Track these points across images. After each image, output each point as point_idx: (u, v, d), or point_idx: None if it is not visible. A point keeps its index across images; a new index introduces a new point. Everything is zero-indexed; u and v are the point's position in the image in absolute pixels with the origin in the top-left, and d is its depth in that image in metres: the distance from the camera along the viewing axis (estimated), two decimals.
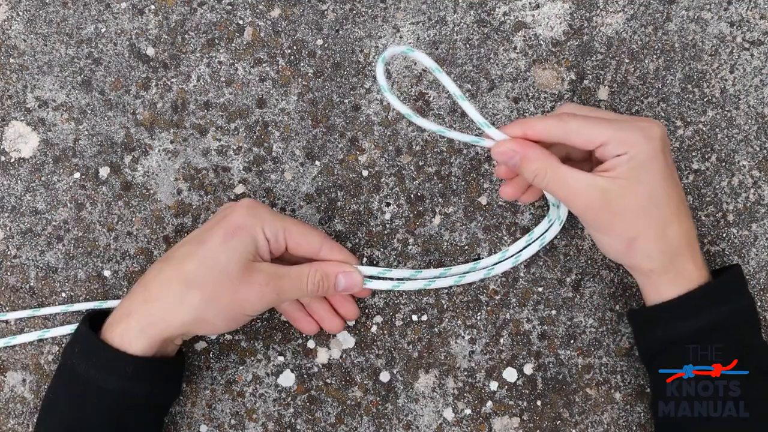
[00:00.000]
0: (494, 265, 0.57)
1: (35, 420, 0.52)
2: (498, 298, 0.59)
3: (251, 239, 0.51)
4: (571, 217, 0.59)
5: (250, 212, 0.52)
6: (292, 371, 0.59)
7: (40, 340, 0.59)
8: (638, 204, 0.48)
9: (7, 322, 0.59)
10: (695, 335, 0.49)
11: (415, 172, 0.59)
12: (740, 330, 0.50)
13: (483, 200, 0.59)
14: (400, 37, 0.59)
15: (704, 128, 0.59)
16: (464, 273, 0.57)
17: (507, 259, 0.58)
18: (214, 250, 0.50)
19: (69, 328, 0.58)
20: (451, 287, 0.58)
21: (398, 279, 0.57)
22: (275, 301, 0.52)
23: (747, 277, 0.58)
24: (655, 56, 0.59)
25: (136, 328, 0.50)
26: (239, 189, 0.59)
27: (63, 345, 0.58)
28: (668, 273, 0.49)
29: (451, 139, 0.51)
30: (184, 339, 0.54)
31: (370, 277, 0.55)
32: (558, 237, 0.59)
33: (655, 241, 0.49)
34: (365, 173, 0.60)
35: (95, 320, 0.53)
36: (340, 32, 0.60)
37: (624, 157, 0.48)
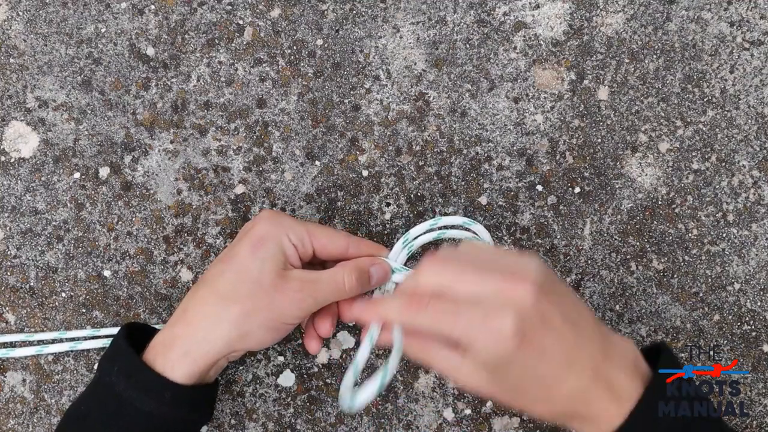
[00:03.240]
0: None
1: (56, 428, 0.52)
2: None
3: (278, 247, 0.51)
4: (570, 217, 0.59)
5: (272, 221, 0.52)
6: (292, 371, 0.59)
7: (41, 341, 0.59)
8: (504, 388, 0.45)
9: (7, 322, 0.59)
10: None
11: (415, 172, 0.59)
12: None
13: (483, 200, 0.59)
14: (400, 38, 0.59)
15: (704, 128, 0.59)
16: None
17: None
18: (244, 264, 0.50)
19: (67, 346, 0.58)
20: None
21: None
22: (313, 306, 0.51)
23: (747, 276, 0.59)
24: (655, 56, 0.59)
25: (180, 353, 0.49)
26: (239, 189, 0.59)
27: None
28: (572, 424, 0.46)
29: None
30: (231, 360, 0.52)
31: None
32: (558, 237, 0.59)
33: (539, 412, 0.45)
34: (365, 173, 0.60)
35: (131, 331, 0.52)
36: (340, 32, 0.60)
37: (469, 353, 0.43)
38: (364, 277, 0.53)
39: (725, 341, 0.59)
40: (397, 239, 0.55)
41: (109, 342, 0.58)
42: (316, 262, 0.54)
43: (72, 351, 0.59)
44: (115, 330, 0.58)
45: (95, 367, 0.59)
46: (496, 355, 0.42)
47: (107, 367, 0.50)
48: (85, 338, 0.58)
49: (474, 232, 0.54)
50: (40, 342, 0.58)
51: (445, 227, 0.54)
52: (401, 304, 0.45)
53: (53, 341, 0.58)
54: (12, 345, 0.59)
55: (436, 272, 0.44)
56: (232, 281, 0.50)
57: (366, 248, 0.54)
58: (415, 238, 0.55)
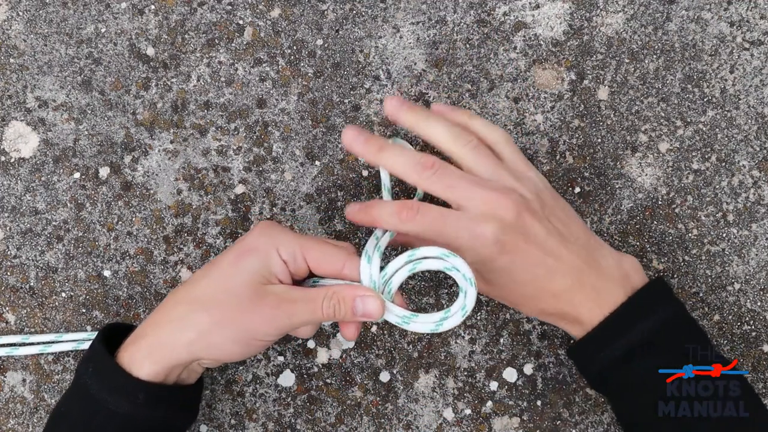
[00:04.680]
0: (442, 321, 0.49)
1: (43, 428, 0.52)
2: None
3: (263, 261, 0.48)
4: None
5: (264, 233, 0.50)
6: (292, 371, 0.59)
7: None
8: (493, 282, 0.52)
9: (7, 322, 0.59)
10: (631, 350, 0.49)
11: None
12: (675, 337, 0.50)
13: None
14: (400, 38, 0.59)
15: (704, 128, 0.59)
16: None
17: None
18: (224, 272, 0.49)
19: (70, 345, 0.58)
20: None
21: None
22: (287, 326, 0.49)
23: (747, 276, 0.59)
24: (655, 56, 0.59)
25: (145, 352, 0.48)
26: (239, 189, 0.59)
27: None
28: (558, 323, 0.53)
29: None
30: (205, 366, 0.51)
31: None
32: None
33: (524, 309, 0.53)
34: (365, 173, 0.60)
35: (113, 332, 0.52)
36: (340, 32, 0.60)
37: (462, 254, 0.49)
38: (345, 305, 0.49)
39: (725, 341, 0.59)
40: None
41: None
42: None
43: (72, 351, 0.59)
44: None
45: None
46: (478, 256, 0.49)
47: (83, 368, 0.50)
48: (85, 341, 0.58)
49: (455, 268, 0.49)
50: (40, 343, 0.58)
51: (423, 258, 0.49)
52: (393, 209, 0.50)
53: (52, 343, 0.58)
54: (13, 345, 0.59)
55: (432, 181, 0.50)
56: (207, 289, 0.49)
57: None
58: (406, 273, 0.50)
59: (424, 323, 0.48)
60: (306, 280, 0.52)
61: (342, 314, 0.49)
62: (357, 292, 0.49)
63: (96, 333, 0.59)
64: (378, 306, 0.49)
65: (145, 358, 0.48)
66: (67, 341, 0.58)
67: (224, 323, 0.48)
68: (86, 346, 0.58)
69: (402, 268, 0.49)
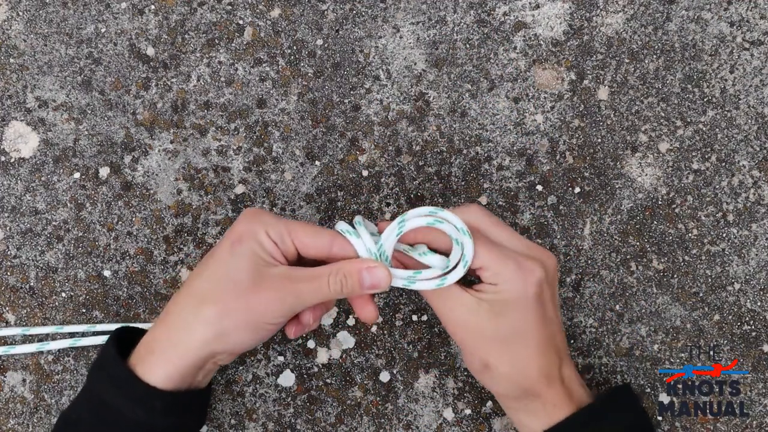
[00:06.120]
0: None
1: None
2: None
3: (257, 244, 0.48)
4: (570, 217, 0.59)
5: (251, 218, 0.50)
6: (292, 371, 0.59)
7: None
8: (497, 332, 0.49)
9: (7, 322, 0.59)
10: None
11: (415, 172, 0.59)
12: None
13: (483, 200, 0.59)
14: (400, 38, 0.59)
15: (704, 128, 0.59)
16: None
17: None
18: (222, 262, 0.49)
19: (67, 342, 0.58)
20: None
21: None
22: (295, 305, 0.49)
23: (747, 276, 0.59)
24: (655, 56, 0.59)
25: (159, 357, 0.48)
26: (239, 189, 0.59)
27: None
28: (520, 403, 0.50)
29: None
30: (220, 364, 0.51)
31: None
32: (558, 237, 0.59)
33: (507, 371, 0.49)
34: (365, 173, 0.60)
35: (122, 337, 0.52)
36: (340, 32, 0.60)
37: (494, 287, 0.48)
38: (352, 281, 0.49)
39: (725, 341, 0.59)
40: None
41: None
42: (308, 263, 0.51)
43: (72, 351, 0.59)
44: (111, 327, 0.58)
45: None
46: (517, 293, 0.48)
47: (97, 374, 0.50)
48: (83, 334, 0.58)
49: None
50: (39, 338, 0.58)
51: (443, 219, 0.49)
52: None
53: (48, 336, 0.58)
54: (12, 342, 0.59)
55: (479, 215, 0.50)
56: (208, 281, 0.48)
57: (351, 249, 0.50)
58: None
59: (428, 280, 0.49)
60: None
61: (350, 288, 0.49)
62: (362, 265, 0.49)
63: (93, 331, 0.59)
64: (385, 274, 0.49)
65: (160, 363, 0.48)
66: (66, 333, 0.58)
67: (233, 312, 0.48)
68: (84, 342, 0.58)
69: (392, 232, 0.49)
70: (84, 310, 0.59)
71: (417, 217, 0.49)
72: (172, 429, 0.50)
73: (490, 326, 0.48)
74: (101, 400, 0.49)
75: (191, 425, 0.52)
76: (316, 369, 0.59)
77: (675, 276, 0.59)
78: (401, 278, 0.49)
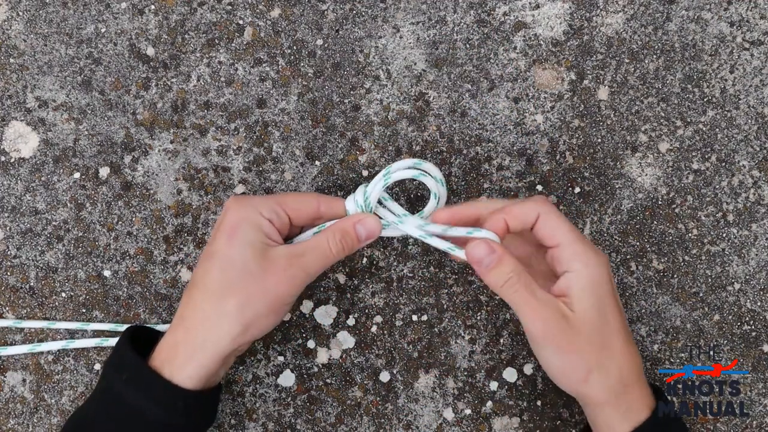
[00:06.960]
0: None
1: None
2: (498, 297, 0.59)
3: (254, 228, 0.50)
4: (570, 217, 0.59)
5: (239, 205, 0.51)
6: (292, 371, 0.59)
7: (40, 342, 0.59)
8: (597, 336, 0.48)
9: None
10: None
11: None
12: None
13: (483, 200, 0.59)
14: (400, 38, 0.59)
15: (704, 128, 0.59)
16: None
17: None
18: (225, 255, 0.49)
19: (60, 344, 0.58)
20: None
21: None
22: (305, 278, 0.51)
23: (747, 276, 0.59)
24: (655, 56, 0.59)
25: (185, 358, 0.48)
26: (239, 189, 0.59)
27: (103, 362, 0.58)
28: (621, 406, 0.49)
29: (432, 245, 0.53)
30: (238, 354, 0.52)
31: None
32: None
33: (612, 374, 0.49)
34: (365, 173, 0.60)
35: (135, 335, 0.52)
36: (340, 32, 0.60)
37: (572, 275, 0.48)
38: (349, 237, 0.51)
39: (725, 341, 0.59)
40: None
41: (104, 342, 0.58)
42: (295, 233, 0.54)
43: (72, 350, 0.59)
44: (107, 326, 0.58)
45: (95, 367, 0.59)
46: (598, 274, 0.48)
47: (114, 375, 0.49)
48: (77, 331, 0.58)
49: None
50: (36, 334, 0.58)
51: (426, 172, 0.52)
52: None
53: (43, 330, 0.58)
54: (11, 343, 0.59)
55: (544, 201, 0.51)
56: (219, 276, 0.49)
57: (336, 204, 0.53)
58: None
59: (413, 225, 0.52)
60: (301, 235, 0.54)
61: (350, 244, 0.52)
62: (353, 219, 0.52)
63: (92, 330, 0.59)
64: (376, 221, 0.52)
65: (188, 365, 0.48)
66: (61, 328, 0.58)
67: (253, 300, 0.49)
68: (79, 344, 0.58)
69: (377, 184, 0.52)
70: (84, 310, 0.59)
71: (402, 170, 0.52)
72: (191, 427, 0.50)
73: (589, 332, 0.48)
74: (119, 400, 0.48)
75: (207, 421, 0.53)
76: (316, 369, 0.59)
77: (675, 276, 0.59)
78: (391, 222, 0.53)
